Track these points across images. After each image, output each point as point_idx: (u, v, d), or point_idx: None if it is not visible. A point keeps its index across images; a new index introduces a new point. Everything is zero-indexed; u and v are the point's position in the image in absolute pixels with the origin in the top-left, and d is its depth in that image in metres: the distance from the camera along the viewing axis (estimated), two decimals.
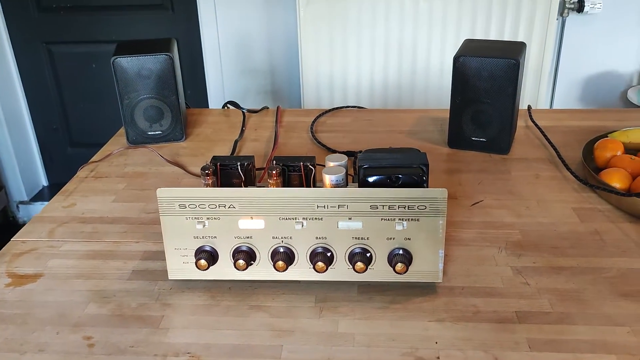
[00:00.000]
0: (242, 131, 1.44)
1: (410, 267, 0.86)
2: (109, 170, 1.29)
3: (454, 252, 0.97)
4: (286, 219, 0.86)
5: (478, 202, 1.12)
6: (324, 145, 1.34)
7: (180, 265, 0.90)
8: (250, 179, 1.04)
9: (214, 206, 0.85)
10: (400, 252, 0.86)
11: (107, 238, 1.04)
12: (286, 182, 1.02)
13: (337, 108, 1.56)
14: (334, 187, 0.91)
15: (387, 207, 0.84)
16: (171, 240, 0.88)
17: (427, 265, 0.87)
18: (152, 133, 1.39)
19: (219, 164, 1.03)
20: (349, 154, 1.24)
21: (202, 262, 0.86)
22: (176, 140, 1.40)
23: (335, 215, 0.85)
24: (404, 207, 0.83)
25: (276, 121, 1.48)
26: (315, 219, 0.85)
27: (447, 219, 1.03)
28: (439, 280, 0.88)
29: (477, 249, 0.98)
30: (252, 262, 0.89)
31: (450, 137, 1.33)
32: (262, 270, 0.89)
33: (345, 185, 0.91)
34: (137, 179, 1.24)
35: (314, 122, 1.47)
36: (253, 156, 1.06)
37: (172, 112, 1.38)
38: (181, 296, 0.89)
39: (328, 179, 0.90)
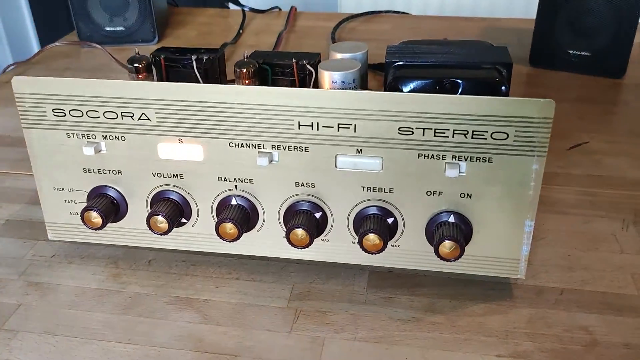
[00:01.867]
0: (238, 34, 1.04)
1: (467, 249, 0.46)
2: (41, 75, 0.91)
3: (544, 225, 0.56)
4: (243, 145, 0.46)
5: (579, 145, 0.70)
6: None
7: (67, 218, 0.52)
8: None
9: (115, 115, 0.47)
10: (451, 219, 0.46)
11: None
12: None
13: (371, 12, 1.14)
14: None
15: (432, 132, 0.43)
16: (47, 175, 0.50)
17: (498, 247, 0.47)
18: (112, 29, 1.00)
19: (162, 56, 0.64)
20: (378, 67, 0.83)
21: (94, 215, 0.48)
22: (146, 42, 1.02)
23: (332, 143, 0.45)
24: (464, 135, 0.43)
25: (286, 23, 1.07)
26: (296, 148, 0.46)
27: None
28: (519, 276, 0.47)
29: (584, 222, 0.57)
30: (183, 221, 0.50)
31: (535, 50, 0.90)
32: (201, 235, 0.51)
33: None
34: None
35: (337, 27, 1.06)
36: (221, 49, 0.67)
37: (140, 2, 0.99)
38: (63, 271, 0.52)
39: (328, 78, 0.50)
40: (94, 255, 0.53)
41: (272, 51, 0.64)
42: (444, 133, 0.43)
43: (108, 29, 1.00)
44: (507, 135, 0.42)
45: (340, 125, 0.44)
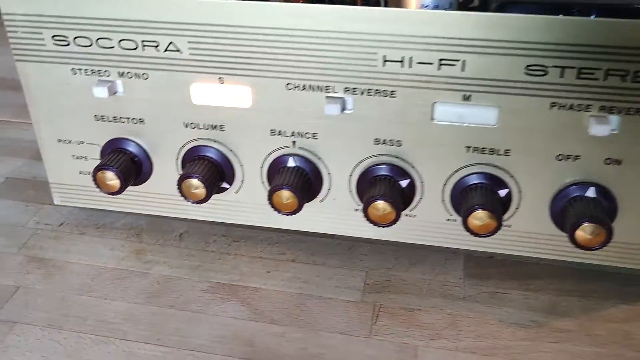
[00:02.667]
0: None
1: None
2: None
3: None
4: (306, 88, 0.34)
5: None
6: None
7: (76, 179, 0.41)
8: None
9: (134, 45, 0.35)
10: (590, 194, 0.33)
11: None
12: None
13: None
14: None
15: (575, 72, 0.30)
16: (49, 123, 0.39)
17: None
18: None
19: None
20: None
21: (110, 175, 0.37)
22: None
23: (429, 86, 0.32)
24: (622, 76, 0.30)
25: None
26: (379, 93, 0.33)
27: None
28: None
29: None
30: (224, 186, 0.39)
31: None
32: (246, 205, 0.39)
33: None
34: None
35: None
36: None
37: None
38: (73, 245, 0.41)
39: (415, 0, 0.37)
40: (111, 225, 0.43)
41: None
42: (593, 74, 0.30)
43: None
44: None
45: (442, 62, 0.32)
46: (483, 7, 0.37)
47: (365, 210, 0.34)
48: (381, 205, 0.34)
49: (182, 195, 0.37)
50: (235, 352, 0.33)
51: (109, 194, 0.38)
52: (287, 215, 0.35)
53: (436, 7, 0.37)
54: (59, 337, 0.34)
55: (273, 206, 0.35)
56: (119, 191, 0.37)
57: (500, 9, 0.37)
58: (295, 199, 0.35)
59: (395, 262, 0.39)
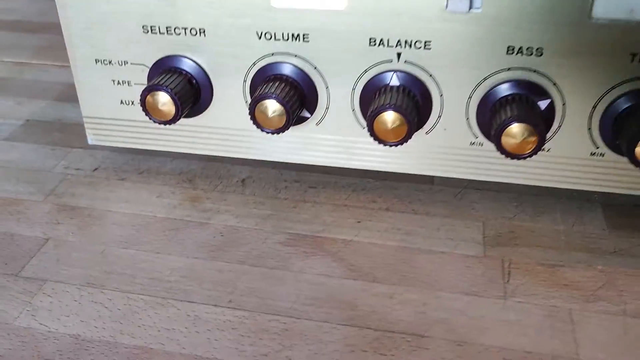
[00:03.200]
0: None
1: None
2: None
3: None
4: None
5: None
6: None
7: (116, 111, 0.33)
8: None
9: None
10: None
11: (10, 55, 0.49)
12: None
13: None
14: None
15: None
16: (85, 39, 0.31)
17: None
18: None
19: None
20: None
21: (163, 99, 0.29)
22: None
23: None
24: None
25: None
26: None
27: None
28: None
29: None
30: (305, 115, 0.31)
31: None
32: (330, 140, 0.31)
33: None
34: None
35: None
36: None
37: None
38: (112, 192, 0.33)
39: None
40: (157, 170, 0.35)
41: None
42: None
43: None
44: None
45: None
46: None
47: (497, 138, 0.26)
48: (518, 129, 0.26)
49: (257, 123, 0.29)
50: (334, 317, 0.26)
51: (160, 122, 0.30)
52: (394, 145, 0.28)
53: None
54: (102, 298, 0.27)
55: (374, 134, 0.28)
56: (174, 119, 0.30)
57: None
58: (404, 124, 0.27)
59: (516, 211, 0.31)
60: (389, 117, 0.27)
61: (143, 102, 0.29)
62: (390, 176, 0.33)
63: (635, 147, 0.26)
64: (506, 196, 0.32)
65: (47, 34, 0.53)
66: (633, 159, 0.26)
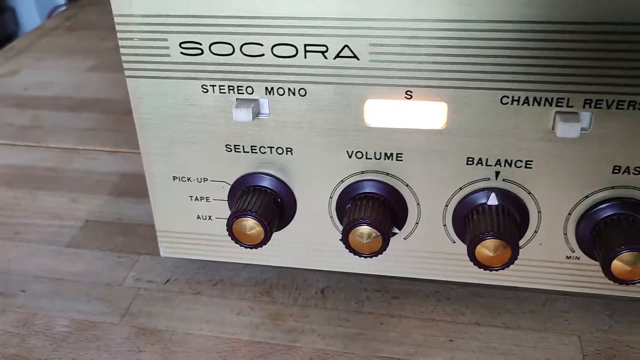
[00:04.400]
0: None
1: None
2: (98, 20, 0.71)
3: None
4: (528, 102, 0.26)
5: None
6: None
7: (191, 225, 0.32)
8: None
9: (293, 51, 0.26)
10: None
11: (56, 140, 0.48)
12: None
13: None
14: None
15: None
16: (163, 156, 0.30)
17: None
18: None
19: None
20: None
21: (250, 224, 0.28)
22: None
23: None
24: None
25: None
26: (634, 104, 0.25)
27: None
28: None
29: None
30: (394, 230, 0.30)
31: None
32: (418, 252, 0.31)
33: None
34: None
35: None
36: None
37: None
38: (188, 309, 0.32)
39: None
40: (231, 280, 0.34)
41: None
42: None
43: None
44: None
45: None
46: None
47: (607, 266, 0.26)
48: (630, 257, 0.25)
49: (350, 249, 0.28)
50: None
51: (249, 247, 0.29)
52: (498, 269, 0.27)
53: None
54: None
55: (476, 261, 0.27)
56: (263, 242, 0.29)
57: None
58: (506, 250, 0.26)
59: (611, 322, 0.30)
60: (490, 244, 0.26)
61: (230, 230, 0.28)
62: (476, 283, 0.32)
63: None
64: (595, 302, 0.31)
65: (88, 112, 0.52)
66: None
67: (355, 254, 0.28)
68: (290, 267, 0.33)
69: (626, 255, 0.25)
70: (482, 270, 0.27)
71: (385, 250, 0.28)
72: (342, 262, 0.31)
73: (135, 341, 0.30)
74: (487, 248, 0.26)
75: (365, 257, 0.28)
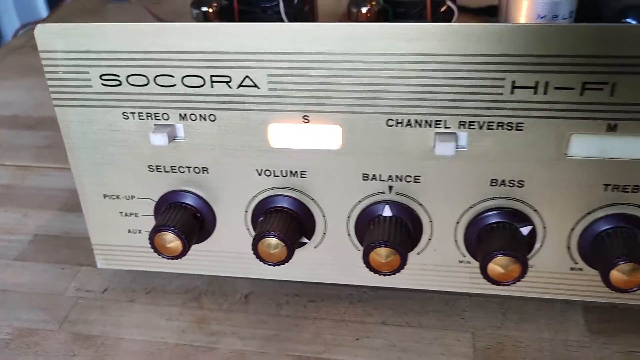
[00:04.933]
0: None
1: None
2: None
3: None
4: (410, 123, 0.29)
5: None
6: None
7: (124, 239, 0.35)
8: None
9: (201, 81, 0.29)
10: None
11: (11, 158, 0.51)
12: None
13: None
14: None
15: None
16: (93, 177, 0.33)
17: None
18: None
19: None
20: None
21: (169, 237, 0.31)
22: None
23: (567, 115, 0.27)
24: None
25: None
26: (502, 126, 0.28)
27: None
28: None
29: None
30: (304, 240, 0.33)
31: None
32: (328, 260, 0.34)
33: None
34: None
35: None
36: None
37: None
38: (122, 316, 0.35)
39: (528, 7, 0.32)
40: (163, 289, 0.37)
41: None
42: None
43: None
44: None
45: (586, 86, 0.26)
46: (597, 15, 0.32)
47: (483, 269, 0.29)
48: (503, 261, 0.28)
49: (259, 257, 0.31)
50: None
51: (169, 258, 0.32)
52: (388, 275, 0.30)
53: (555, 17, 0.32)
54: None
55: (370, 266, 0.30)
56: (181, 255, 0.32)
57: (620, 15, 0.32)
58: (397, 256, 0.29)
59: (503, 319, 0.33)
60: (383, 252, 0.29)
61: (152, 243, 0.31)
62: (386, 287, 0.35)
63: (611, 269, 0.28)
64: (492, 301, 0.34)
65: (46, 130, 0.54)
66: (606, 282, 0.28)
67: (264, 263, 0.31)
68: (219, 275, 0.36)
69: (500, 259, 0.28)
70: (387, 276, 0.30)
71: (290, 259, 0.31)
72: (264, 270, 0.34)
73: (70, 346, 0.33)
74: (379, 255, 0.29)
75: (274, 266, 0.31)
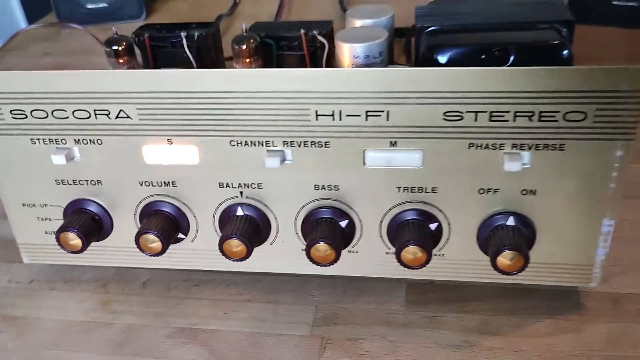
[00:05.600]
0: (235, 4, 0.94)
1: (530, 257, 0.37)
2: (18, 62, 0.82)
3: (620, 214, 0.47)
4: (247, 144, 0.37)
5: None
6: None
7: (43, 238, 0.44)
8: (212, 67, 0.55)
9: (86, 114, 0.38)
10: (510, 222, 0.37)
11: None
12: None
13: None
14: (362, 67, 0.42)
15: (487, 115, 0.34)
16: (13, 190, 0.42)
17: (567, 252, 0.38)
18: (93, 6, 0.90)
19: (147, 35, 0.55)
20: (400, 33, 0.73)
21: (71, 236, 0.40)
22: (132, 18, 0.92)
23: (359, 135, 0.36)
24: (529, 117, 0.34)
25: None
26: (314, 144, 0.37)
27: None
28: (592, 285, 0.39)
29: None
30: (180, 236, 0.42)
31: (576, 4, 0.79)
32: (202, 252, 0.42)
33: (386, 65, 0.42)
34: None
35: None
36: (215, 22, 0.57)
37: None
38: (43, 301, 0.44)
39: (348, 52, 0.40)
40: (79, 279, 0.45)
41: (276, 22, 0.55)
42: (503, 116, 0.34)
43: (89, 6, 0.90)
44: (585, 115, 0.33)
45: (369, 113, 0.35)
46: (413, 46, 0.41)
47: (307, 253, 0.37)
48: (322, 247, 0.37)
49: (141, 249, 0.39)
50: None
51: (72, 252, 0.40)
52: (238, 261, 0.38)
53: (367, 57, 0.41)
54: None
55: (224, 254, 0.38)
56: (82, 250, 0.40)
57: (430, 50, 0.41)
58: (244, 247, 0.38)
59: (343, 295, 0.42)
60: (233, 243, 0.38)
61: (57, 239, 0.40)
62: (257, 272, 0.44)
63: (401, 251, 0.37)
64: (339, 282, 0.43)
65: None
66: (399, 260, 0.37)
67: (144, 253, 0.39)
68: (122, 266, 0.45)
69: (317, 246, 0.37)
70: (252, 261, 0.39)
71: (165, 251, 0.39)
72: (155, 261, 0.43)
73: (0, 325, 0.42)
74: (231, 245, 0.38)
75: (151, 256, 0.39)
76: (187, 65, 0.54)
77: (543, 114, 0.33)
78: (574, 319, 0.39)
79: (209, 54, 0.55)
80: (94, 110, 0.38)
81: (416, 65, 0.42)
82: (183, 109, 0.37)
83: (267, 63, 0.52)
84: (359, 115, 0.35)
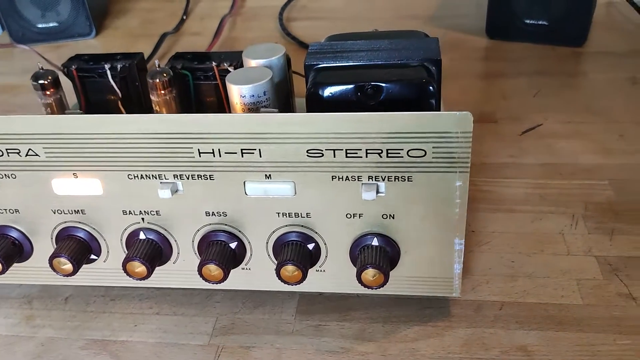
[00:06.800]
0: (182, 21, 0.98)
1: (395, 271, 0.43)
2: None
3: (488, 226, 0.52)
4: (143, 177, 0.42)
5: (533, 128, 0.66)
6: (296, 40, 0.88)
7: None
8: (136, 95, 0.60)
9: (0, 152, 0.42)
10: (374, 242, 0.42)
11: None
12: (192, 99, 0.58)
13: None
14: (250, 109, 0.47)
15: (344, 152, 0.39)
16: None
17: (429, 267, 0.43)
18: (44, 26, 0.94)
19: (74, 67, 0.59)
20: None
21: None
22: (82, 36, 0.96)
23: (238, 169, 0.41)
24: (378, 154, 0.39)
25: (232, 5, 1.01)
26: (200, 177, 0.42)
27: (478, 160, 0.58)
28: (454, 295, 0.44)
29: (531, 220, 0.53)
30: (93, 257, 0.46)
31: (491, 21, 0.85)
32: (114, 270, 0.47)
33: (270, 105, 0.46)
34: (3, 96, 0.81)
35: (285, 5, 1.00)
36: (141, 53, 0.62)
37: None
38: None
39: (236, 92, 0.45)
40: (7, 296, 0.50)
41: (194, 52, 0.59)
42: (357, 153, 0.39)
43: (40, 25, 0.94)
44: (425, 152, 0.38)
45: (243, 151, 0.40)
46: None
47: (199, 272, 0.42)
48: (212, 267, 0.42)
49: (55, 271, 0.44)
50: None
51: None
52: (140, 280, 0.43)
53: (252, 96, 0.46)
54: None
55: (128, 274, 0.43)
56: (3, 272, 0.45)
57: (314, 87, 0.45)
58: (144, 268, 0.43)
59: (242, 307, 0.47)
60: (135, 264, 0.43)
61: None
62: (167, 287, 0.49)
63: (280, 268, 0.42)
64: (240, 295, 0.48)
65: None
66: (279, 277, 0.42)
67: (58, 274, 0.44)
68: (45, 283, 0.49)
69: (208, 266, 0.42)
70: (156, 279, 0.43)
71: (77, 271, 0.44)
72: (72, 278, 0.47)
73: None
74: (134, 266, 0.43)
75: (65, 276, 0.44)
76: (113, 94, 0.58)
77: (390, 151, 0.38)
78: (440, 325, 0.44)
79: (135, 83, 0.60)
80: (7, 149, 0.42)
81: (306, 99, 0.46)
82: (85, 147, 0.41)
83: (184, 91, 0.57)
84: (235, 153, 0.40)
